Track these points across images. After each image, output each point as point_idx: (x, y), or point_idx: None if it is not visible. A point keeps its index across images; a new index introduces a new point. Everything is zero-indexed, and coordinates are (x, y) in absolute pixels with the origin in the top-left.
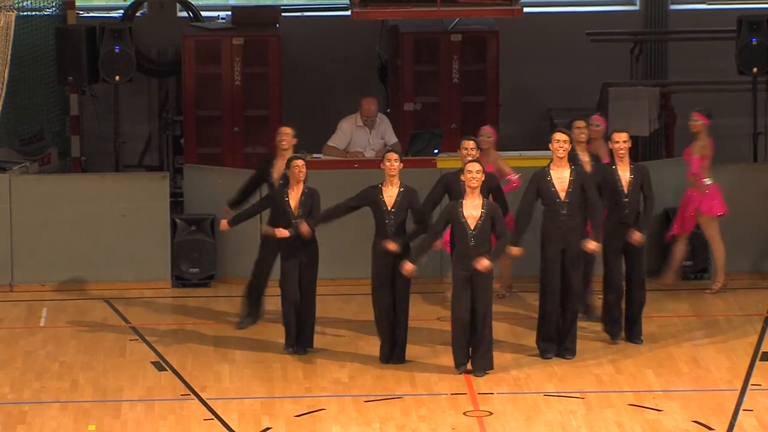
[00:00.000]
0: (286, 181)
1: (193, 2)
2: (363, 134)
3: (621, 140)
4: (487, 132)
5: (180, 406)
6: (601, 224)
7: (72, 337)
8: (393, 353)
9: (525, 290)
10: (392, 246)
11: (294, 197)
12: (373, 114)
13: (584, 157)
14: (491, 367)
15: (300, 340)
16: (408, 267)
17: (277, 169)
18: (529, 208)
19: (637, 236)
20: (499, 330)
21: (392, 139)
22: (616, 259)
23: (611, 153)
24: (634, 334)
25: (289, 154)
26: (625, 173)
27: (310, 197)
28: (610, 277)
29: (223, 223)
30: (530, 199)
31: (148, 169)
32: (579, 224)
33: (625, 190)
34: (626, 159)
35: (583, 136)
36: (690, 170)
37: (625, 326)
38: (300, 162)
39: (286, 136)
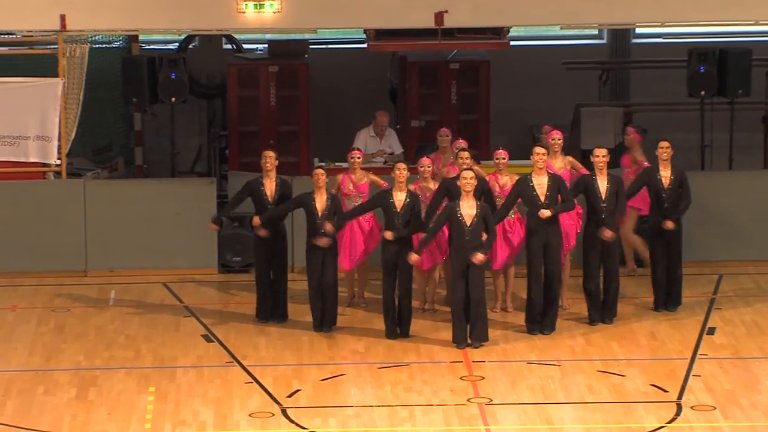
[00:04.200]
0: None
1: (236, 36)
2: (375, 143)
3: (601, 155)
4: (444, 132)
5: (225, 371)
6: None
7: (135, 315)
8: (399, 329)
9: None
10: (388, 235)
11: (320, 201)
12: (386, 124)
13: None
14: (486, 339)
15: (325, 320)
16: (414, 257)
17: (268, 187)
18: (509, 207)
19: (608, 233)
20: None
21: (398, 149)
22: (595, 255)
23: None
24: (608, 316)
25: (273, 173)
26: (603, 182)
27: (333, 201)
28: (589, 270)
29: (212, 225)
30: (511, 200)
31: (199, 175)
32: (557, 223)
33: (603, 197)
34: (605, 170)
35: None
36: (625, 175)
37: (602, 309)
38: (320, 171)
39: (270, 158)
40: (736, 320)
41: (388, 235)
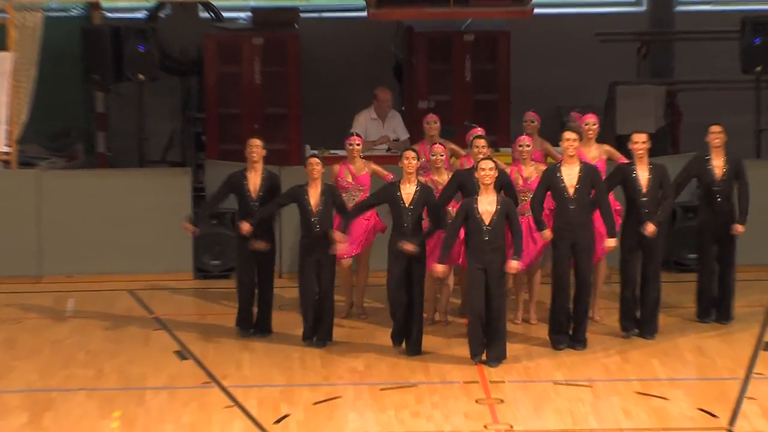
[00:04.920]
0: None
1: (214, 3)
2: (376, 127)
3: (640, 141)
4: (432, 119)
5: (202, 393)
6: (609, 218)
7: (98, 327)
8: (407, 345)
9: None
10: (410, 247)
11: (314, 195)
12: (389, 101)
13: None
14: (504, 357)
15: (319, 334)
16: (439, 268)
17: (252, 181)
18: (541, 201)
19: (650, 227)
20: (510, 322)
21: (404, 134)
22: (632, 255)
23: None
24: (647, 330)
25: (260, 165)
26: (643, 173)
27: (329, 194)
28: (626, 272)
29: (188, 226)
30: (541, 194)
31: (171, 164)
32: (588, 220)
33: (644, 190)
34: (645, 159)
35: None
36: None
37: (640, 322)
38: (314, 160)
39: (256, 148)
40: None
41: (409, 248)
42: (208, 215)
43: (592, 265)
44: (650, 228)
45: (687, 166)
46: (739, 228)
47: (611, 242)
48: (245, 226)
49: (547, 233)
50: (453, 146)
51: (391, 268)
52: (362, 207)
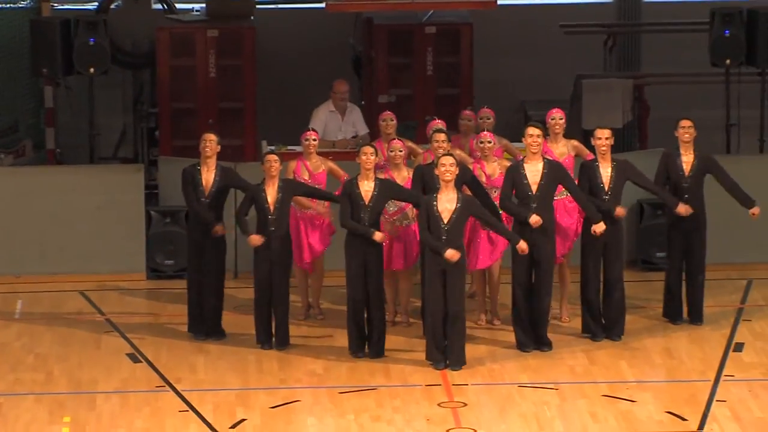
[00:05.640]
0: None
1: None
2: (335, 121)
3: (603, 137)
4: (388, 116)
5: (155, 397)
6: (589, 206)
7: (47, 329)
8: (369, 347)
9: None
10: (380, 236)
11: (271, 193)
12: (345, 92)
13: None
14: (464, 362)
15: (277, 336)
16: (450, 253)
17: (205, 177)
18: (509, 196)
19: (619, 210)
20: (473, 324)
21: (363, 129)
22: (595, 255)
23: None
24: (614, 332)
25: (213, 161)
26: (606, 170)
27: (287, 189)
28: (587, 272)
29: (218, 228)
30: (508, 191)
31: (123, 161)
32: (550, 219)
33: (606, 187)
34: (608, 155)
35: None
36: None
37: (605, 324)
38: (272, 157)
39: (210, 142)
40: None
41: (379, 237)
42: (215, 218)
43: (558, 266)
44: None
45: (660, 164)
46: (755, 211)
47: (600, 227)
48: (219, 228)
49: (535, 218)
50: (411, 144)
51: (348, 268)
52: (325, 195)
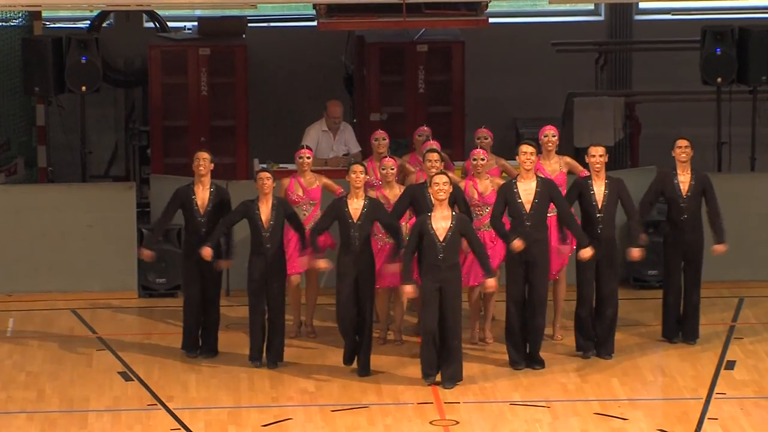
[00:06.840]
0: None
1: (159, 13)
2: (327, 140)
3: (597, 154)
4: (381, 135)
5: (147, 416)
6: (576, 229)
7: (38, 348)
8: (359, 366)
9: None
10: (409, 291)
11: (265, 211)
12: (339, 116)
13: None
14: (460, 379)
15: (269, 354)
16: (408, 289)
17: (199, 196)
18: (499, 216)
19: (635, 253)
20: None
21: (355, 147)
22: (588, 273)
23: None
24: (605, 351)
25: (207, 179)
26: (600, 187)
27: (280, 208)
28: (582, 290)
29: (148, 254)
30: (500, 209)
31: (115, 179)
32: (543, 237)
33: (599, 205)
34: (602, 173)
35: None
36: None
37: (596, 341)
38: (265, 174)
39: (204, 161)
40: (761, 352)
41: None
42: (160, 236)
43: (552, 284)
44: (635, 253)
45: (653, 183)
46: (719, 248)
47: (587, 252)
48: (206, 251)
49: (518, 243)
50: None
51: (339, 286)
52: (317, 231)
